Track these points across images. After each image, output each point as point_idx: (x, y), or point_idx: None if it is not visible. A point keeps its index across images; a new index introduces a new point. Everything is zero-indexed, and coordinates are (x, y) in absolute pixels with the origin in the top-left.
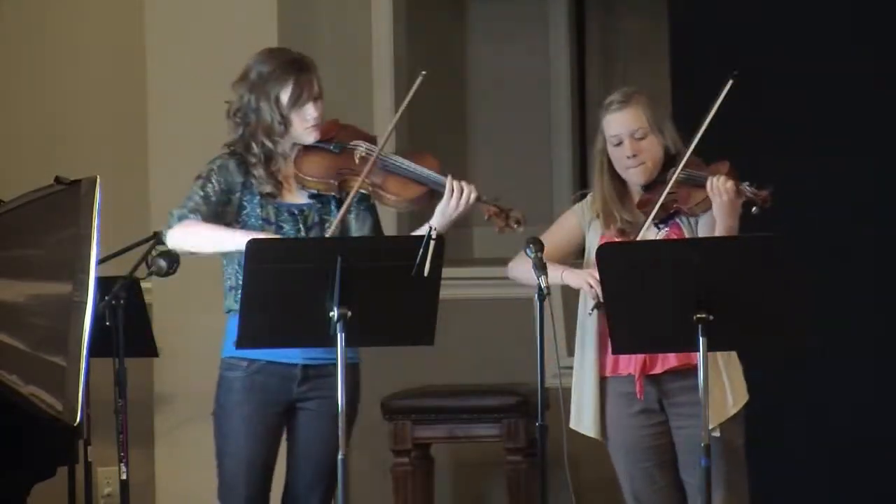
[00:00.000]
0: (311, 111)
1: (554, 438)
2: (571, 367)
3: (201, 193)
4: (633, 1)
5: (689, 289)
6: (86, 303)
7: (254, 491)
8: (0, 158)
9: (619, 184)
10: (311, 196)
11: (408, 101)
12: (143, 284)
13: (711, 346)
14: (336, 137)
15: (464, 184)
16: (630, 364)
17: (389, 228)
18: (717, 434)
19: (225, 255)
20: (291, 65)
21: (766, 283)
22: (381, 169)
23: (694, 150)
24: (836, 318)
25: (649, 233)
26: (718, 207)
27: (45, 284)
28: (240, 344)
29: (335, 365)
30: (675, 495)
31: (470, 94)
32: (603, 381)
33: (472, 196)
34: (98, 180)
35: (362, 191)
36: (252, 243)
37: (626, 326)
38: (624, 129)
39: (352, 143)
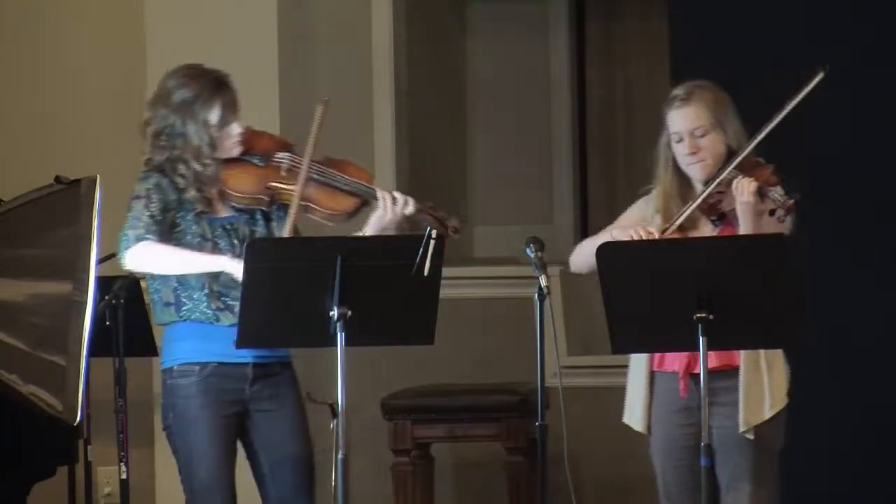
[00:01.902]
0: (236, 129)
1: (554, 438)
2: (571, 367)
3: (148, 214)
4: (633, 1)
5: (689, 288)
6: (86, 303)
7: (228, 496)
8: (0, 158)
9: (683, 179)
10: (237, 209)
11: (315, 134)
12: (143, 284)
13: (711, 346)
14: (256, 147)
15: (396, 193)
16: (675, 361)
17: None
18: (750, 436)
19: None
20: (216, 86)
21: (766, 283)
22: (311, 179)
23: (761, 151)
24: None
25: (703, 229)
26: (739, 208)
27: (45, 284)
28: (240, 344)
29: (282, 363)
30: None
31: (470, 94)
32: (652, 375)
33: (411, 205)
34: (98, 180)
35: (289, 201)
36: (252, 243)
37: (626, 326)
38: (684, 126)
39: (275, 155)
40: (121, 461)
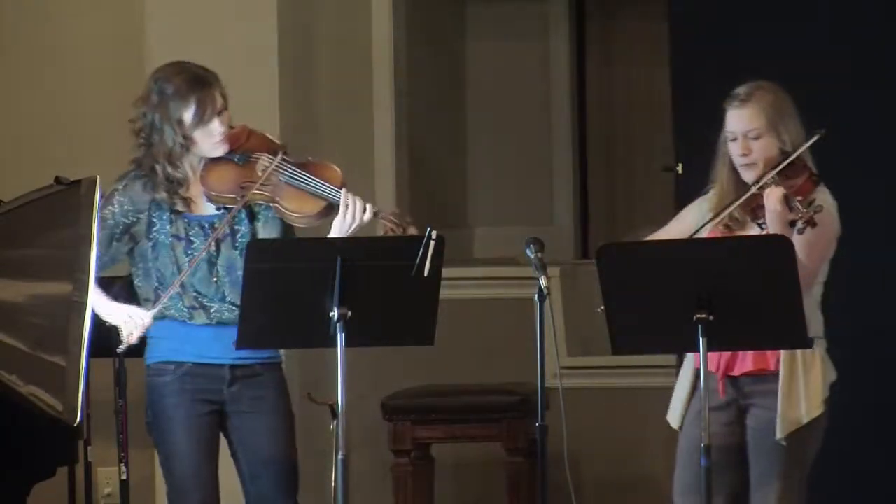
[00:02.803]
0: (217, 127)
1: (554, 438)
2: (571, 368)
3: (97, 216)
4: (633, 1)
5: (689, 289)
6: (85, 303)
7: (207, 493)
8: (0, 158)
9: (739, 178)
10: (219, 208)
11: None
12: None
13: (711, 346)
14: (242, 146)
15: (358, 199)
16: (713, 362)
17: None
18: (784, 443)
19: (135, 269)
20: (193, 82)
21: (766, 283)
22: (280, 182)
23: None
24: None
25: (750, 230)
26: (768, 216)
27: (45, 284)
28: (240, 344)
29: (264, 364)
30: (716, 500)
31: (470, 94)
32: (697, 373)
33: (369, 211)
34: (98, 180)
35: (260, 202)
36: (252, 243)
37: (626, 326)
38: (739, 127)
39: (255, 154)
40: (121, 462)
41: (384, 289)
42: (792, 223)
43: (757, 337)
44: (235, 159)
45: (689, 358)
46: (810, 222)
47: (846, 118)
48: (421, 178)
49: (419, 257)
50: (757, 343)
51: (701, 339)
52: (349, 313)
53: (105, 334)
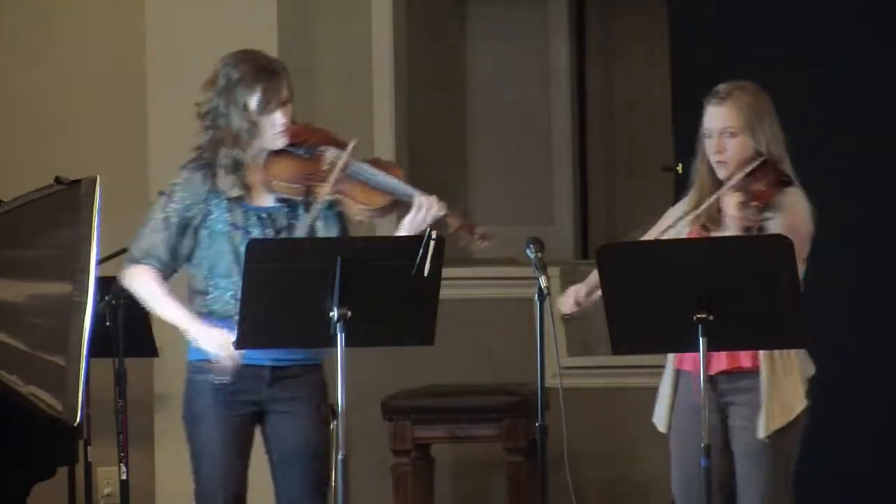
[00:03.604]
0: (279, 117)
1: (554, 438)
2: (571, 368)
3: (162, 216)
4: (633, 1)
5: (689, 289)
6: (86, 303)
7: (231, 494)
8: (0, 158)
9: (716, 176)
10: (280, 199)
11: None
12: None
13: (711, 346)
14: (307, 142)
15: (433, 198)
16: (690, 361)
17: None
18: (767, 442)
19: (190, 259)
20: (260, 71)
21: (766, 283)
22: (349, 177)
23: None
24: None
25: (728, 230)
26: (727, 221)
27: (45, 284)
28: (239, 344)
29: (303, 366)
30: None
31: (470, 94)
32: (677, 374)
33: (441, 209)
34: (98, 180)
35: (328, 198)
36: (252, 243)
37: (626, 326)
38: (716, 124)
39: (321, 147)
40: (121, 461)
41: (384, 289)
42: (747, 230)
43: (757, 337)
44: (301, 152)
45: (670, 359)
46: (761, 230)
47: (846, 118)
48: (421, 177)
49: (419, 257)
50: (757, 343)
51: (701, 339)
52: (349, 313)
53: (105, 334)
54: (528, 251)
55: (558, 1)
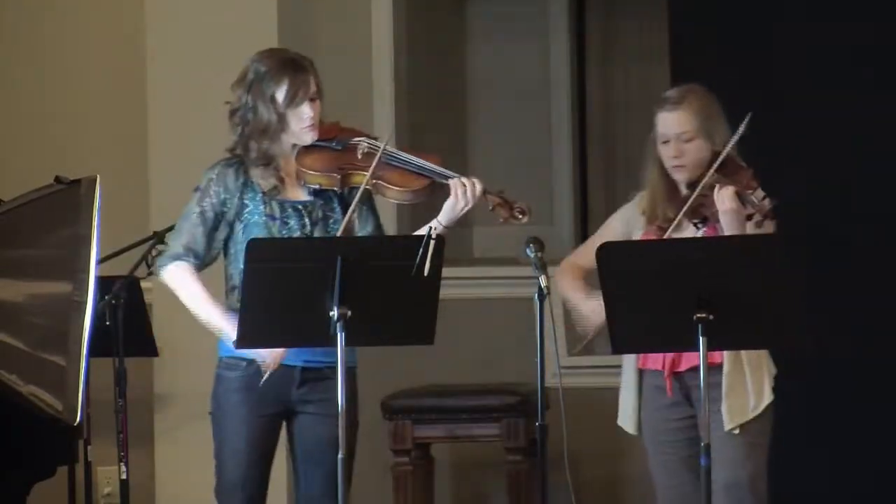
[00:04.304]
0: (307, 111)
1: (554, 438)
2: (571, 368)
3: (198, 210)
4: (633, 1)
5: (689, 288)
6: (86, 303)
7: (253, 491)
8: (0, 158)
9: (669, 180)
10: (313, 192)
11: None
12: (143, 284)
13: (711, 346)
14: (338, 137)
15: (473, 179)
16: (658, 360)
17: (393, 226)
18: (736, 432)
19: (226, 255)
20: (287, 64)
21: (766, 283)
22: (386, 163)
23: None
24: None
25: (686, 232)
26: (723, 217)
27: (45, 284)
28: (239, 344)
29: (333, 368)
30: (695, 492)
31: (470, 94)
32: (640, 374)
33: (479, 188)
34: (98, 180)
35: (366, 186)
36: (252, 243)
37: (626, 326)
38: (671, 130)
39: (354, 139)
40: (121, 461)
41: (384, 289)
42: (749, 217)
43: (757, 337)
44: (333, 145)
45: (630, 359)
46: (768, 215)
47: (846, 118)
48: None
49: (419, 257)
50: (757, 343)
51: (701, 339)
52: (349, 313)
53: (105, 334)
54: (528, 251)
55: (558, 1)
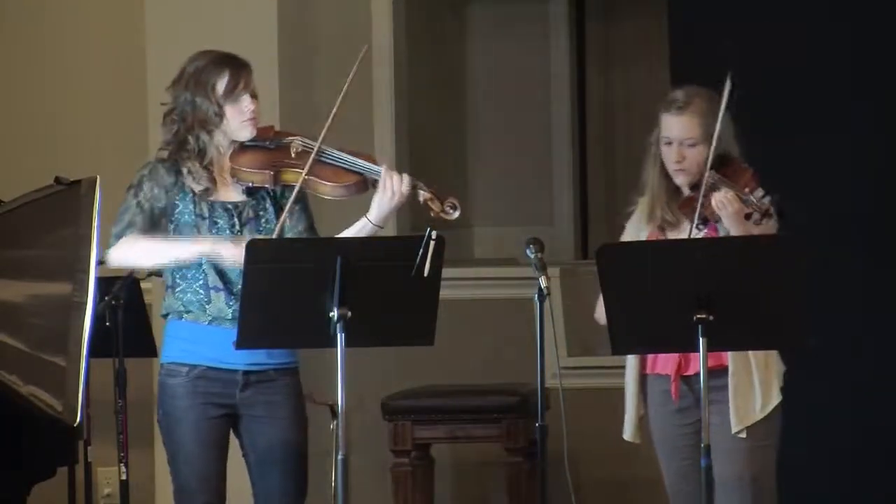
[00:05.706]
0: (247, 103)
1: (554, 438)
2: (571, 368)
3: (134, 202)
4: (633, 1)
5: (689, 289)
6: (86, 303)
7: (211, 496)
8: (0, 158)
9: (670, 181)
10: (246, 192)
11: (329, 121)
12: (143, 284)
13: (712, 347)
14: (272, 137)
15: (401, 175)
16: (667, 364)
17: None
18: (743, 435)
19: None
20: (227, 58)
21: (766, 283)
22: (319, 161)
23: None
24: None
25: (686, 232)
26: (725, 218)
27: (45, 284)
28: (240, 345)
29: (278, 370)
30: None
31: (470, 94)
32: (644, 378)
33: (407, 181)
34: (98, 180)
35: (295, 184)
36: (252, 243)
37: (626, 326)
38: (677, 134)
39: (288, 138)
40: (121, 462)
41: (384, 289)
42: (748, 216)
43: (757, 337)
44: (267, 144)
45: (630, 364)
46: (767, 213)
47: (846, 118)
48: (421, 177)
49: (419, 257)
50: (757, 343)
51: (701, 339)
52: (349, 313)
53: (105, 334)
54: (528, 251)
55: (558, 1)
